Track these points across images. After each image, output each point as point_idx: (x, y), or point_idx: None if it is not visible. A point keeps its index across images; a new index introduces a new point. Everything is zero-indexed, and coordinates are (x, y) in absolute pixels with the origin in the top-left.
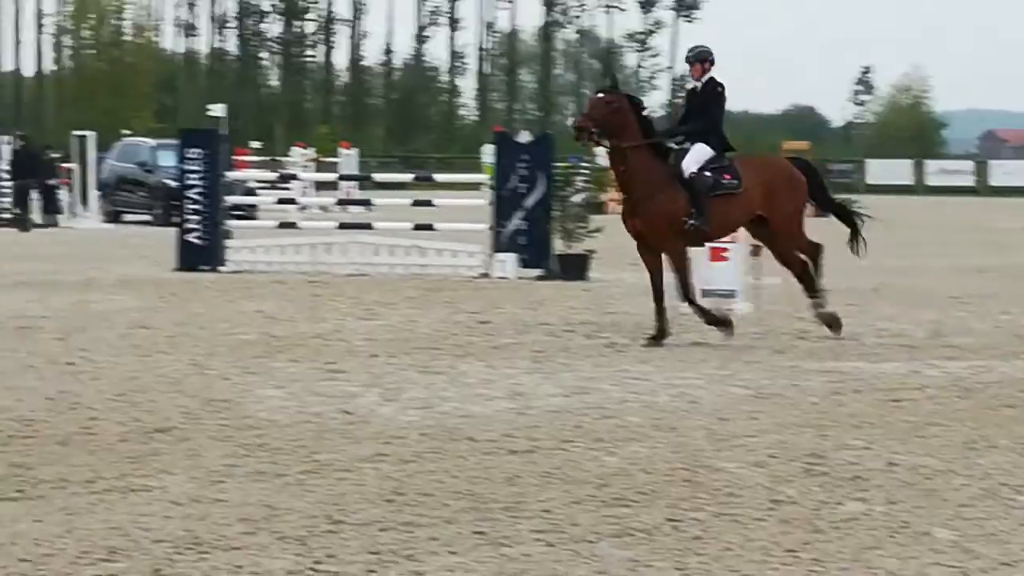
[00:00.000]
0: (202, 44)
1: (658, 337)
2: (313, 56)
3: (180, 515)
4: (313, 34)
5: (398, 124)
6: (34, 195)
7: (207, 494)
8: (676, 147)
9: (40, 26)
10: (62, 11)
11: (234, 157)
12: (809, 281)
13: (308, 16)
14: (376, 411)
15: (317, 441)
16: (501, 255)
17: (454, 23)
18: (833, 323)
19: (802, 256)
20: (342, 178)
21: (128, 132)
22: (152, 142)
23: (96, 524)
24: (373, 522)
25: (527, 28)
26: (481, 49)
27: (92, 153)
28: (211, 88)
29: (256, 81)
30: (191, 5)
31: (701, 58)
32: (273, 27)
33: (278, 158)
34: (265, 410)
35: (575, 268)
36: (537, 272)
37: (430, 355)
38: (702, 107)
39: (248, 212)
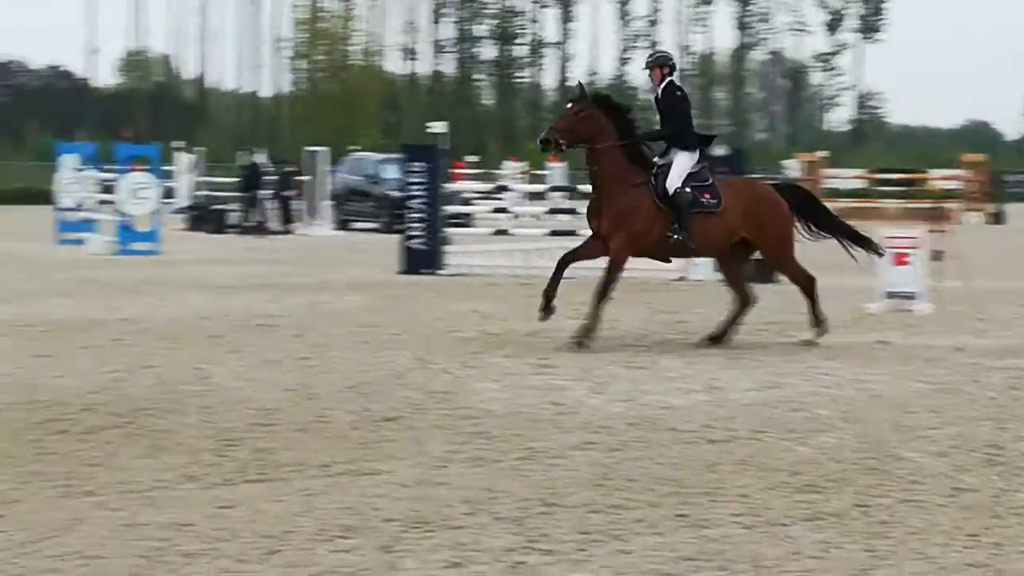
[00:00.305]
0: (423, 67)
1: (545, 307)
2: (524, 77)
3: (407, 497)
4: (524, 57)
5: None
6: (268, 205)
7: (431, 478)
8: (659, 161)
9: (278, 51)
10: (298, 37)
11: (452, 170)
12: (813, 301)
13: (519, 41)
14: (584, 402)
15: (531, 430)
16: (697, 260)
17: (653, 46)
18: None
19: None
20: (551, 189)
21: (356, 147)
22: (378, 156)
23: (331, 504)
24: (583, 505)
25: (721, 50)
26: (679, 70)
27: (324, 167)
28: (431, 107)
29: (471, 100)
30: (413, 32)
31: (660, 63)
32: (487, 51)
33: (492, 171)
34: (483, 401)
35: (766, 272)
36: None
37: (633, 351)
38: (668, 112)
39: (465, 220)
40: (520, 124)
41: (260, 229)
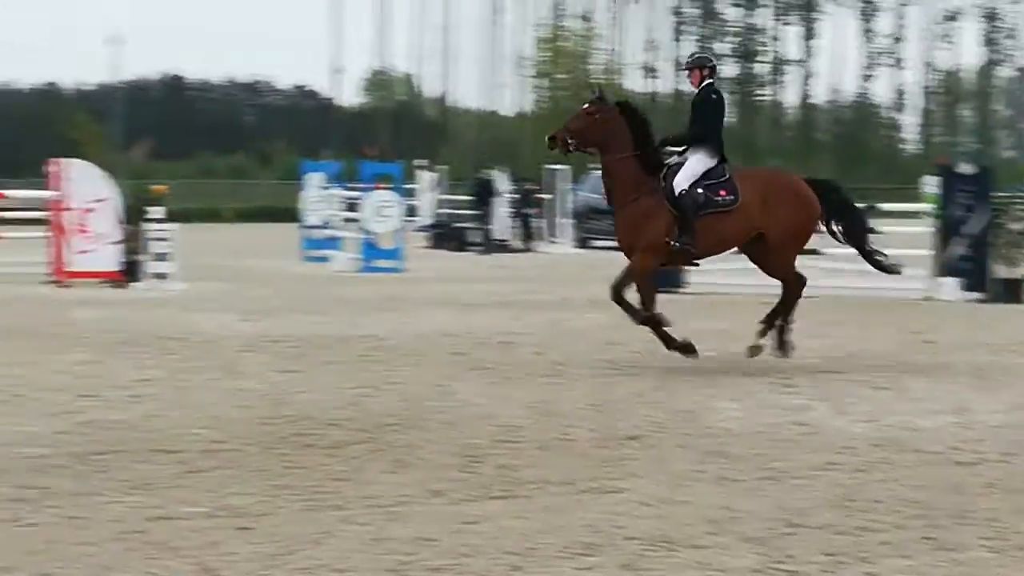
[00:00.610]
0: (664, 85)
1: (684, 348)
2: (765, 94)
3: (649, 515)
4: (765, 75)
5: (844, 157)
6: (509, 223)
7: (673, 496)
8: (672, 163)
9: (519, 69)
10: (539, 56)
11: None
12: (782, 308)
13: (761, 58)
14: (826, 423)
15: (773, 450)
16: (943, 279)
17: (897, 63)
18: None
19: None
20: None
21: (597, 166)
22: None
23: (574, 521)
24: (827, 526)
25: (967, 66)
26: (924, 87)
27: (564, 185)
28: (671, 125)
29: None
30: (654, 50)
31: (699, 64)
32: (728, 68)
33: None
34: (724, 420)
35: (1014, 292)
36: (977, 295)
37: (876, 371)
38: (697, 114)
39: None
40: (761, 142)
41: (501, 247)
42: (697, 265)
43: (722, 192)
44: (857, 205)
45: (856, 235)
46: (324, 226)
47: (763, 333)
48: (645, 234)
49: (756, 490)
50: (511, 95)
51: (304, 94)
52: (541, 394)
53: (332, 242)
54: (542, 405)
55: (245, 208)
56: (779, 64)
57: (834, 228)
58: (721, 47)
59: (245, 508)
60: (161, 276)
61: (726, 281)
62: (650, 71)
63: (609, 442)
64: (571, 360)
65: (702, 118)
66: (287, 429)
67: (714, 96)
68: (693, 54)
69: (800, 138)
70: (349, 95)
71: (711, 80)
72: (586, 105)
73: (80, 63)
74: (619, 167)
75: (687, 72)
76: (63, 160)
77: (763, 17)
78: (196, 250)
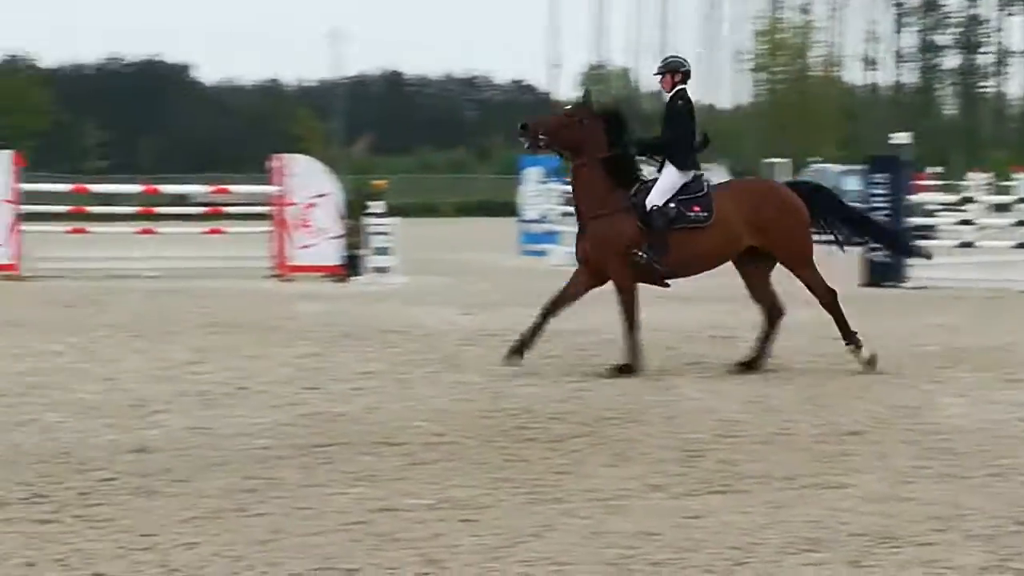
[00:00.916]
0: (884, 77)
1: (516, 351)
2: (988, 86)
3: (873, 511)
4: (988, 66)
5: None
6: None
7: (897, 493)
8: (647, 179)
9: (738, 63)
10: (758, 49)
11: (915, 182)
12: (838, 316)
13: (984, 49)
14: None
15: (999, 446)
16: None
17: None
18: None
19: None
20: (1019, 201)
21: (816, 159)
22: (839, 168)
23: (796, 517)
24: None
25: None
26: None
27: (783, 179)
28: (890, 117)
29: (933, 111)
30: (874, 41)
31: (672, 69)
32: (950, 60)
33: (956, 182)
34: (949, 416)
35: None
36: None
37: None
38: (666, 121)
39: (928, 232)
40: (984, 135)
41: None
42: (667, 286)
43: (695, 208)
44: (841, 198)
45: (861, 227)
46: (542, 220)
47: (849, 338)
48: (615, 248)
49: (983, 487)
50: (729, 89)
51: (522, 89)
52: (759, 389)
53: (550, 236)
54: (761, 400)
55: (463, 202)
56: (1003, 55)
57: (829, 225)
58: (943, 38)
59: (468, 500)
60: (381, 270)
61: (949, 276)
62: (870, 63)
63: (830, 437)
64: (789, 355)
65: (670, 126)
66: (507, 422)
67: (680, 102)
68: (666, 58)
69: None
70: (567, 89)
71: (683, 86)
72: (568, 108)
73: (301, 59)
74: (589, 172)
75: (659, 77)
76: (285, 156)
77: (986, 7)
78: (415, 244)
